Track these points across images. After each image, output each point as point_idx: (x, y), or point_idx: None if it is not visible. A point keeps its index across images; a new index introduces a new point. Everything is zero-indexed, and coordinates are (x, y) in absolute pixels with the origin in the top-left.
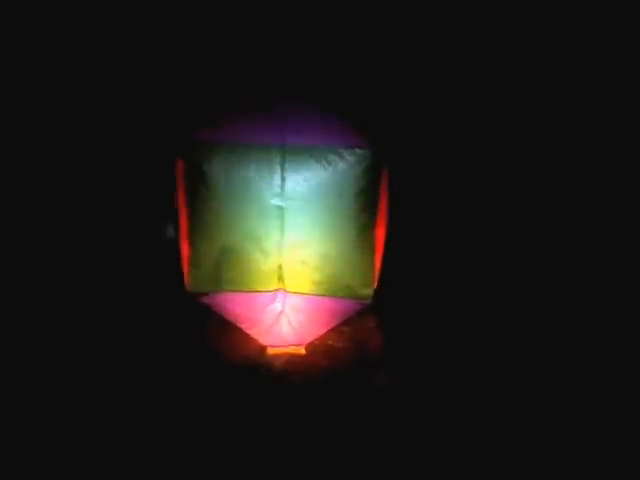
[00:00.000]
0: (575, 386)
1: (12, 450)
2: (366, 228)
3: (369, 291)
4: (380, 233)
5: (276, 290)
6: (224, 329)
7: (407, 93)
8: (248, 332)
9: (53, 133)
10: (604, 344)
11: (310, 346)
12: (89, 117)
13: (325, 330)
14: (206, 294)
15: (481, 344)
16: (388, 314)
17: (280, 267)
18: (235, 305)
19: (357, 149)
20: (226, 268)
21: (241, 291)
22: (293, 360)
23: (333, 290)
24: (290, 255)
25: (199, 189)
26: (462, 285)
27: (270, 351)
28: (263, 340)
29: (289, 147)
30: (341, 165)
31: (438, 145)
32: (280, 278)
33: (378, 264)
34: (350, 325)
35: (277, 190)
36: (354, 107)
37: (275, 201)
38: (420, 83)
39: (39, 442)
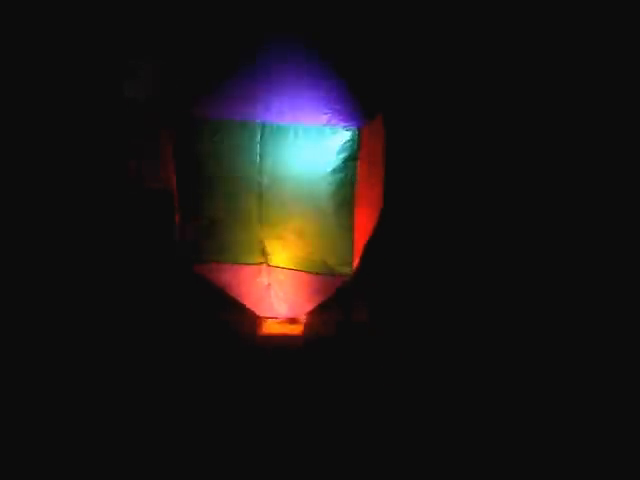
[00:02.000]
0: (574, 385)
1: (12, 446)
2: (343, 206)
3: (347, 269)
4: (364, 212)
5: (260, 264)
6: (218, 299)
7: (399, 70)
8: (241, 301)
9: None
10: (603, 343)
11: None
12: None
13: (313, 305)
14: (197, 262)
15: (477, 338)
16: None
17: (261, 241)
18: (225, 275)
19: (335, 127)
20: (211, 239)
21: (227, 262)
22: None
23: (312, 266)
24: (269, 230)
25: (184, 162)
26: (457, 277)
27: (266, 328)
28: (256, 310)
29: (268, 125)
30: (318, 143)
31: (433, 123)
32: (263, 252)
33: (360, 243)
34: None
35: (256, 166)
36: (342, 81)
37: (253, 176)
38: (413, 63)
39: (44, 426)
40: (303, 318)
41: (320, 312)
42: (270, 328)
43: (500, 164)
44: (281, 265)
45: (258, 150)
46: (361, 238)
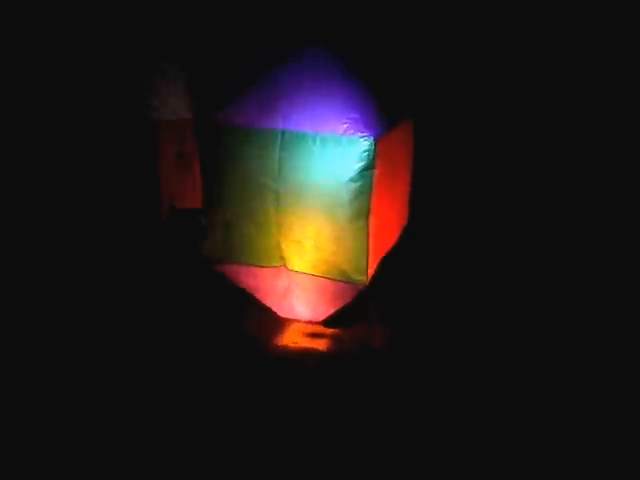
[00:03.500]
0: (574, 386)
1: (13, 445)
2: (359, 215)
3: (362, 277)
4: (382, 222)
5: (279, 267)
6: (242, 303)
7: (413, 80)
8: (263, 302)
9: (59, 110)
10: (603, 344)
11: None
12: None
13: (332, 310)
14: (220, 263)
15: (488, 342)
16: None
17: (279, 245)
18: (246, 276)
19: (352, 136)
20: (233, 241)
21: (247, 264)
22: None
23: (329, 272)
24: (287, 235)
25: (208, 166)
26: (470, 282)
27: (288, 338)
28: (277, 311)
29: (288, 133)
30: (336, 152)
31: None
32: (281, 256)
33: (376, 253)
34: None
35: (275, 172)
36: (361, 91)
37: (272, 182)
38: (426, 71)
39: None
40: (329, 332)
41: (349, 328)
42: (292, 339)
43: (531, 180)
44: (299, 269)
45: (277, 157)
46: (378, 247)
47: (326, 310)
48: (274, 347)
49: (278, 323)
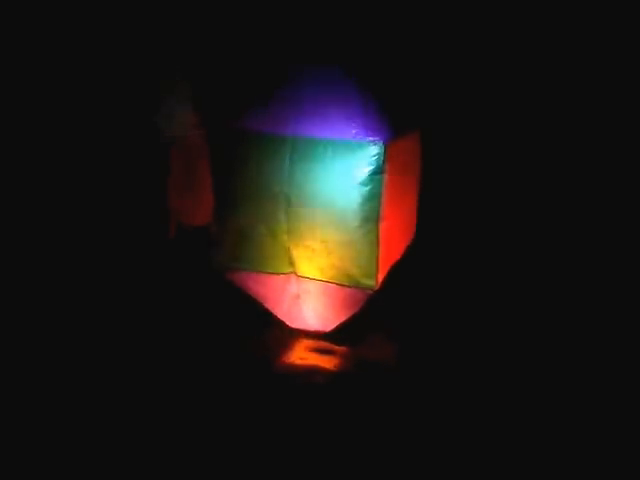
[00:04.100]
0: (575, 389)
1: (13, 446)
2: (369, 219)
3: (371, 281)
4: (392, 228)
5: (289, 273)
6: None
7: (422, 82)
8: (272, 311)
9: (73, 117)
10: (605, 347)
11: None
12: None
13: (341, 319)
14: (229, 270)
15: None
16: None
17: (289, 250)
18: (256, 284)
19: (362, 141)
20: (243, 248)
21: (257, 271)
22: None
23: (338, 277)
24: (297, 240)
25: (220, 173)
26: (477, 289)
27: (296, 355)
28: (286, 320)
29: (298, 138)
30: (346, 156)
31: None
32: (290, 262)
33: (386, 258)
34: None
35: (285, 177)
36: (366, 96)
37: (282, 187)
38: (435, 73)
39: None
40: (337, 348)
41: (357, 344)
42: (299, 355)
43: (541, 192)
44: (308, 275)
45: (288, 162)
46: (387, 253)
47: (335, 319)
48: (281, 364)
49: (285, 339)
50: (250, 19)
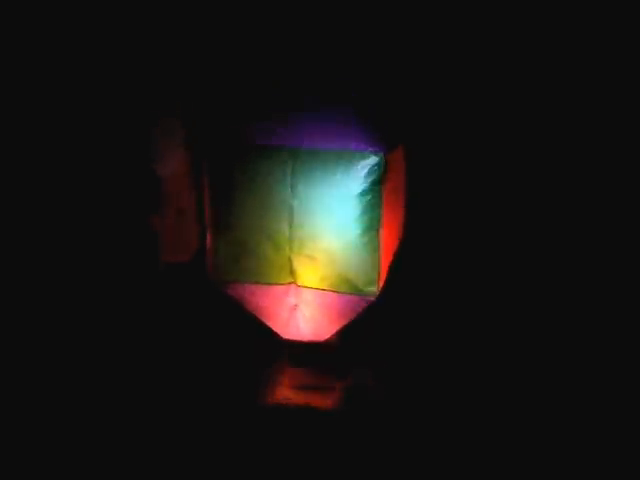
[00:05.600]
0: (576, 390)
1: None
2: (370, 228)
3: (373, 288)
4: (389, 235)
5: (289, 283)
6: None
7: (419, 93)
8: (267, 323)
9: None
10: (605, 350)
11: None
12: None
13: (337, 328)
14: (227, 284)
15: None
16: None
17: (290, 260)
18: (254, 296)
19: (362, 152)
20: (242, 260)
21: (257, 283)
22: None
23: (339, 285)
24: (299, 250)
25: (219, 185)
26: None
27: (286, 392)
28: (281, 332)
29: (300, 149)
30: (347, 167)
31: (452, 145)
32: (291, 272)
33: (385, 264)
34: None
35: (287, 188)
36: (365, 107)
37: (285, 198)
38: (432, 84)
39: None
40: (338, 386)
41: (343, 378)
42: (284, 394)
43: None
44: (309, 285)
45: (290, 173)
46: (386, 259)
47: (331, 327)
48: (265, 406)
49: (265, 378)
50: (248, 35)
